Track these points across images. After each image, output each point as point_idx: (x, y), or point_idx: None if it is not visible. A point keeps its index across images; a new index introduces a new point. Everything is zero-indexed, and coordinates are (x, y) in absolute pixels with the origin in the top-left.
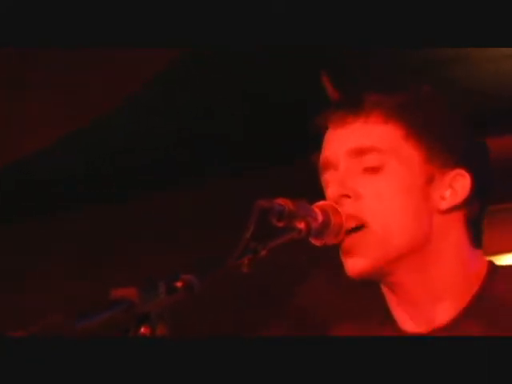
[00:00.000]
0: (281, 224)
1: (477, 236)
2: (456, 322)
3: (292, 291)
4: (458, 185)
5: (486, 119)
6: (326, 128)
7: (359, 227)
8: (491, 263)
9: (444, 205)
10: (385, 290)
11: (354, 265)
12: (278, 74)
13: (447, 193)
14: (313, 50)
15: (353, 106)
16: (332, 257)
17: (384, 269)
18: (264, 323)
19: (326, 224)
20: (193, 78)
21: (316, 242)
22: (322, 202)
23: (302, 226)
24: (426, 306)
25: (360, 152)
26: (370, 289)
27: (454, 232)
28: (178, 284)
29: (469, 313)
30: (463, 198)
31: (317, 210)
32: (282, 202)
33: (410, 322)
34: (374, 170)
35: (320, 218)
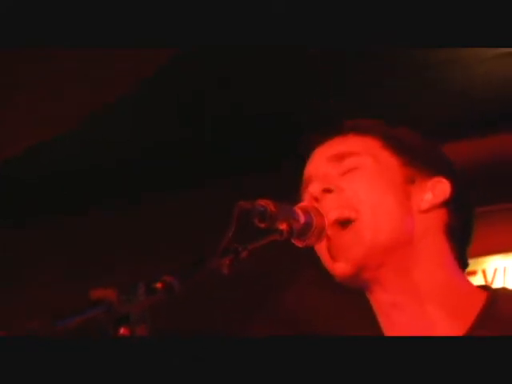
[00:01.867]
0: (263, 225)
1: (461, 254)
2: None
3: (278, 293)
4: (437, 189)
5: (476, 119)
6: (311, 150)
7: (347, 221)
8: (490, 288)
9: (424, 205)
10: (372, 300)
11: (346, 261)
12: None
13: (428, 196)
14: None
15: (332, 129)
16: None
17: (374, 261)
18: (250, 324)
19: (308, 225)
20: (190, 77)
21: (298, 244)
22: (303, 204)
23: (283, 227)
24: (420, 325)
25: (339, 157)
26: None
27: (435, 237)
28: (158, 285)
29: (473, 333)
30: (443, 200)
31: (299, 211)
32: (264, 203)
33: None
34: (353, 170)
35: (302, 219)
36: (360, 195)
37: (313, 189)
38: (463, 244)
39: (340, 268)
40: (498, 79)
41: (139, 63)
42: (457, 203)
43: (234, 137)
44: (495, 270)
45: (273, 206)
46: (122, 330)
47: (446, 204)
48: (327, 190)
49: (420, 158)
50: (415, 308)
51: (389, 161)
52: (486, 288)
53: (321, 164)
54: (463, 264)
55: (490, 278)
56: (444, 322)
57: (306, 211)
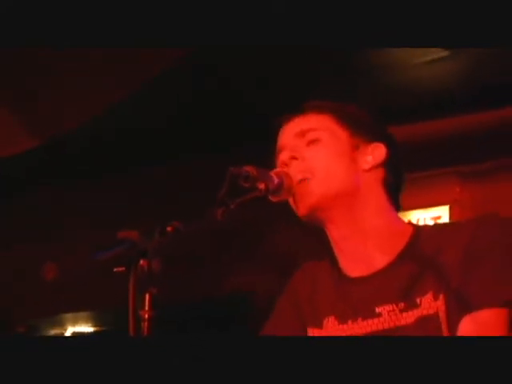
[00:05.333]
0: (247, 185)
1: (395, 200)
2: (389, 268)
3: (261, 240)
4: (376, 153)
5: (410, 111)
6: (280, 127)
7: (305, 178)
8: (415, 225)
9: (366, 166)
10: (329, 236)
11: (304, 204)
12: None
13: (369, 158)
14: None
15: (295, 110)
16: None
17: (325, 205)
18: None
19: (280, 185)
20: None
21: (273, 199)
22: (277, 170)
23: (262, 186)
24: (363, 253)
25: (303, 133)
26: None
27: (375, 189)
28: (169, 228)
29: (401, 259)
30: (380, 161)
31: (273, 175)
32: (248, 169)
33: (353, 269)
34: (313, 142)
35: (276, 180)
36: (317, 161)
37: (283, 156)
38: (397, 193)
39: (299, 210)
40: (425, 80)
41: (142, 63)
42: (391, 162)
43: (234, 136)
44: (417, 220)
45: (254, 171)
46: (141, 262)
47: (383, 164)
48: (293, 158)
49: (362, 129)
50: (358, 240)
51: (339, 133)
52: (411, 224)
53: (289, 138)
54: (397, 207)
55: None
56: (378, 251)
57: (278, 175)
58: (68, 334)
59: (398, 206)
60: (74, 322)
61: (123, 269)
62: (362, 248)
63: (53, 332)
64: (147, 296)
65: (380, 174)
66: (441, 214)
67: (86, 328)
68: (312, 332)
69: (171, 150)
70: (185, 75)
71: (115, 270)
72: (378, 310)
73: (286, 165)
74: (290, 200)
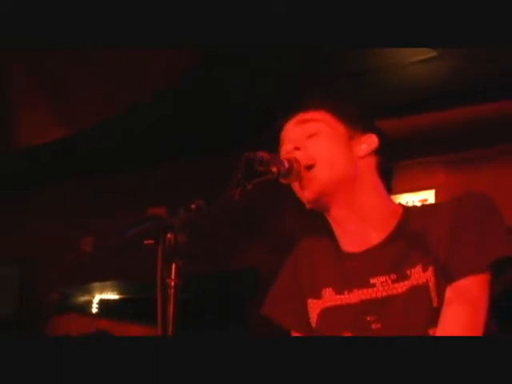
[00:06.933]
0: (261, 168)
1: (387, 183)
2: (383, 244)
3: (268, 221)
4: (369, 141)
5: (402, 106)
6: (282, 126)
7: (310, 166)
8: (404, 206)
9: (361, 153)
10: (330, 219)
11: (312, 190)
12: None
13: (363, 146)
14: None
15: (294, 109)
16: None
17: (330, 190)
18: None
19: (290, 169)
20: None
21: (284, 181)
22: (287, 155)
23: (274, 169)
24: (361, 232)
25: (302, 122)
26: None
27: (370, 174)
28: (193, 206)
29: (392, 238)
30: (373, 148)
31: (284, 160)
32: (262, 154)
33: (350, 246)
34: (313, 134)
35: (286, 165)
36: (319, 151)
37: (287, 147)
38: (388, 176)
39: (307, 195)
40: (415, 78)
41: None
42: (382, 149)
43: (233, 135)
44: (406, 202)
45: (268, 155)
46: (168, 236)
47: (375, 151)
48: (296, 148)
49: (355, 122)
50: (357, 220)
51: (336, 125)
52: (401, 205)
53: (291, 129)
54: (389, 189)
55: None
56: (373, 229)
57: (289, 160)
58: (95, 300)
59: (390, 188)
60: (101, 290)
61: (152, 242)
62: (360, 227)
63: (82, 299)
64: (174, 266)
65: (373, 160)
66: (427, 197)
67: (112, 296)
68: (312, 303)
69: (172, 151)
70: (186, 77)
71: (145, 242)
72: (372, 280)
73: (291, 153)
74: (295, 186)
